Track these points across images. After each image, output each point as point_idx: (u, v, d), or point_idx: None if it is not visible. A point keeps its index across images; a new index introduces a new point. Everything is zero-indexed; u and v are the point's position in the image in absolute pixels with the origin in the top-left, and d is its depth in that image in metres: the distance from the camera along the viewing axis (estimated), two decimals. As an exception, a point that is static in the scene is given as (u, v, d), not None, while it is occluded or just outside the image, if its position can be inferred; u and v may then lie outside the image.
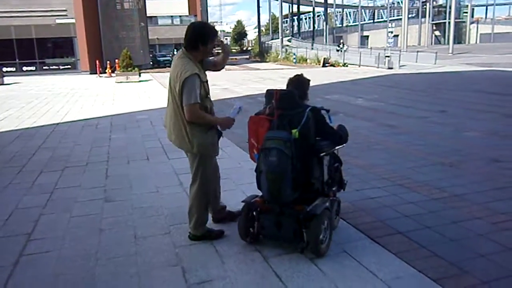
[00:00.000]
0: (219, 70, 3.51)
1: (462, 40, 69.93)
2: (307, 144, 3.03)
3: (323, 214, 3.05)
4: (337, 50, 36.21)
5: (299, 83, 3.40)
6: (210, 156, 3.33)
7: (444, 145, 6.79)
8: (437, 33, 74.61)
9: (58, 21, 27.69)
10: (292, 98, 3.11)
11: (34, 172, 5.59)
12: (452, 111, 10.19)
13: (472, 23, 70.87)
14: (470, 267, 3.00)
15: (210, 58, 3.41)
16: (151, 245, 3.38)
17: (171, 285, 2.81)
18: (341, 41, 40.55)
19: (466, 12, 69.63)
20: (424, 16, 70.11)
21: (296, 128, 2.97)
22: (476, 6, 78.46)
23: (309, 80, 3.49)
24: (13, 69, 27.87)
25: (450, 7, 49.55)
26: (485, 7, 79.77)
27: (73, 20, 27.52)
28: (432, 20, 71.60)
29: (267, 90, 3.22)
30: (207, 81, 3.25)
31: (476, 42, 69.34)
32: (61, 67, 28.96)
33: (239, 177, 4.89)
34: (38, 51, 28.49)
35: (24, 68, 28.17)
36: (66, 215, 4.05)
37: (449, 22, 47.38)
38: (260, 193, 3.23)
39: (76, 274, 2.98)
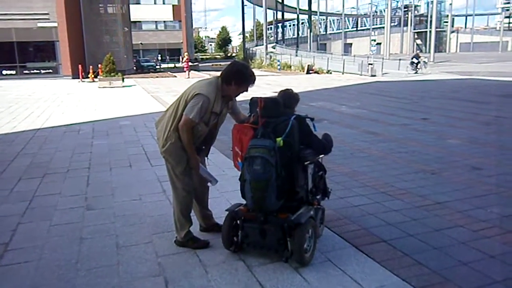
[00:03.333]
0: (237, 121, 3.43)
1: (442, 49, 71.50)
2: (292, 152, 3.03)
3: (307, 222, 3.05)
4: (412, 63, 28.80)
5: (286, 96, 3.39)
6: (175, 167, 3.27)
7: (426, 153, 6.88)
8: (418, 41, 76.07)
9: (39, 24, 27.25)
10: (277, 106, 3.10)
11: (13, 179, 5.45)
12: (434, 119, 10.34)
13: (452, 32, 72.49)
14: (452, 275, 3.02)
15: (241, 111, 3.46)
16: (134, 255, 3.32)
17: (154, 296, 2.76)
18: (418, 52, 32.22)
19: (447, 22, 71.20)
20: (406, 25, 71.47)
21: (281, 136, 2.97)
22: (456, 16, 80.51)
23: (297, 96, 3.48)
24: (-8, 73, 27.31)
25: (431, 17, 50.59)
26: (464, 17, 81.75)
27: (55, 24, 27.12)
28: (414, 29, 73.04)
29: (252, 98, 3.21)
30: (217, 114, 3.24)
31: (456, 51, 70.95)
32: (42, 71, 28.43)
33: (223, 185, 4.84)
34: (19, 55, 27.93)
35: (4, 72, 27.58)
36: (46, 223, 3.95)
37: (430, 31, 48.31)
38: (244, 202, 3.21)
39: (55, 286, 2.90)
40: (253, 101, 3.17)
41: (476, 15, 79.19)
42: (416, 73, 28.00)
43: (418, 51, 33.33)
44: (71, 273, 3.04)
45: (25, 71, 28.14)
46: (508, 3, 77.61)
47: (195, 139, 3.22)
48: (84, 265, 3.16)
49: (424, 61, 28.80)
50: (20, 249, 3.45)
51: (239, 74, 3.18)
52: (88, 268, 3.12)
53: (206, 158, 3.54)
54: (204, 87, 3.16)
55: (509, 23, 76.87)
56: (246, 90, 3.26)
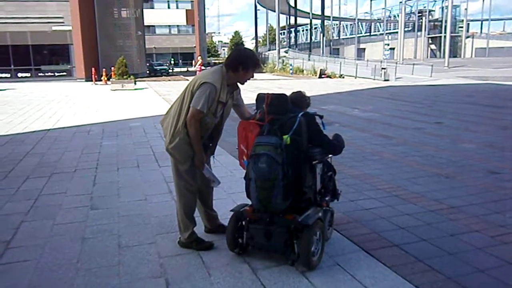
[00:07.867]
0: (240, 116, 3.32)
1: (457, 54, 70.61)
2: (299, 150, 2.90)
3: (315, 224, 2.92)
4: None
5: (297, 97, 3.31)
6: (181, 164, 3.17)
7: (440, 156, 6.68)
8: (432, 46, 75.30)
9: (54, 28, 27.59)
10: (284, 103, 2.98)
11: (20, 178, 5.42)
12: (448, 123, 10.12)
13: (467, 37, 71.61)
14: (469, 283, 2.86)
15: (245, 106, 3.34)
16: (135, 255, 3.22)
17: (154, 298, 2.66)
18: None
19: (462, 27, 70.39)
20: (420, 30, 70.77)
21: (288, 133, 2.85)
22: (472, 21, 79.50)
23: (309, 99, 3.40)
24: (8, 75, 27.64)
25: (446, 22, 50.06)
26: (480, 22, 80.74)
27: (69, 28, 27.42)
28: (428, 34, 72.29)
29: (258, 94, 3.10)
30: (224, 104, 3.14)
31: (471, 56, 69.99)
32: (56, 74, 28.73)
33: (230, 186, 4.76)
34: (34, 58, 28.28)
35: (19, 75, 27.92)
36: (49, 222, 3.89)
37: (444, 36, 47.81)
38: (250, 202, 3.09)
39: (53, 285, 2.82)
40: (260, 97, 3.06)
41: (492, 20, 78.10)
42: None
43: None
44: (70, 273, 2.96)
45: (39, 74, 28.45)
46: (525, 8, 76.37)
47: (202, 133, 3.10)
48: (84, 265, 3.08)
49: None
50: (21, 247, 3.38)
51: (246, 59, 3.08)
52: (88, 268, 3.03)
53: (212, 157, 3.44)
54: (209, 75, 3.06)
55: (526, 28, 75.64)
56: (252, 76, 3.16)
